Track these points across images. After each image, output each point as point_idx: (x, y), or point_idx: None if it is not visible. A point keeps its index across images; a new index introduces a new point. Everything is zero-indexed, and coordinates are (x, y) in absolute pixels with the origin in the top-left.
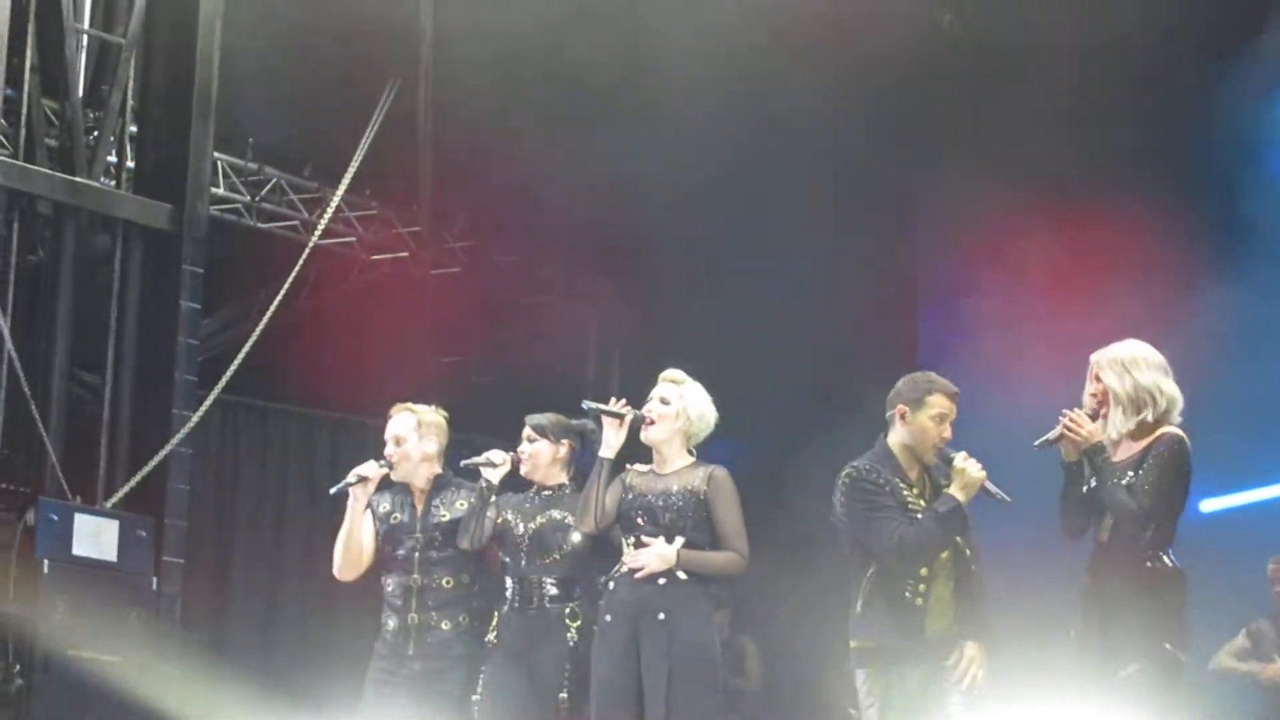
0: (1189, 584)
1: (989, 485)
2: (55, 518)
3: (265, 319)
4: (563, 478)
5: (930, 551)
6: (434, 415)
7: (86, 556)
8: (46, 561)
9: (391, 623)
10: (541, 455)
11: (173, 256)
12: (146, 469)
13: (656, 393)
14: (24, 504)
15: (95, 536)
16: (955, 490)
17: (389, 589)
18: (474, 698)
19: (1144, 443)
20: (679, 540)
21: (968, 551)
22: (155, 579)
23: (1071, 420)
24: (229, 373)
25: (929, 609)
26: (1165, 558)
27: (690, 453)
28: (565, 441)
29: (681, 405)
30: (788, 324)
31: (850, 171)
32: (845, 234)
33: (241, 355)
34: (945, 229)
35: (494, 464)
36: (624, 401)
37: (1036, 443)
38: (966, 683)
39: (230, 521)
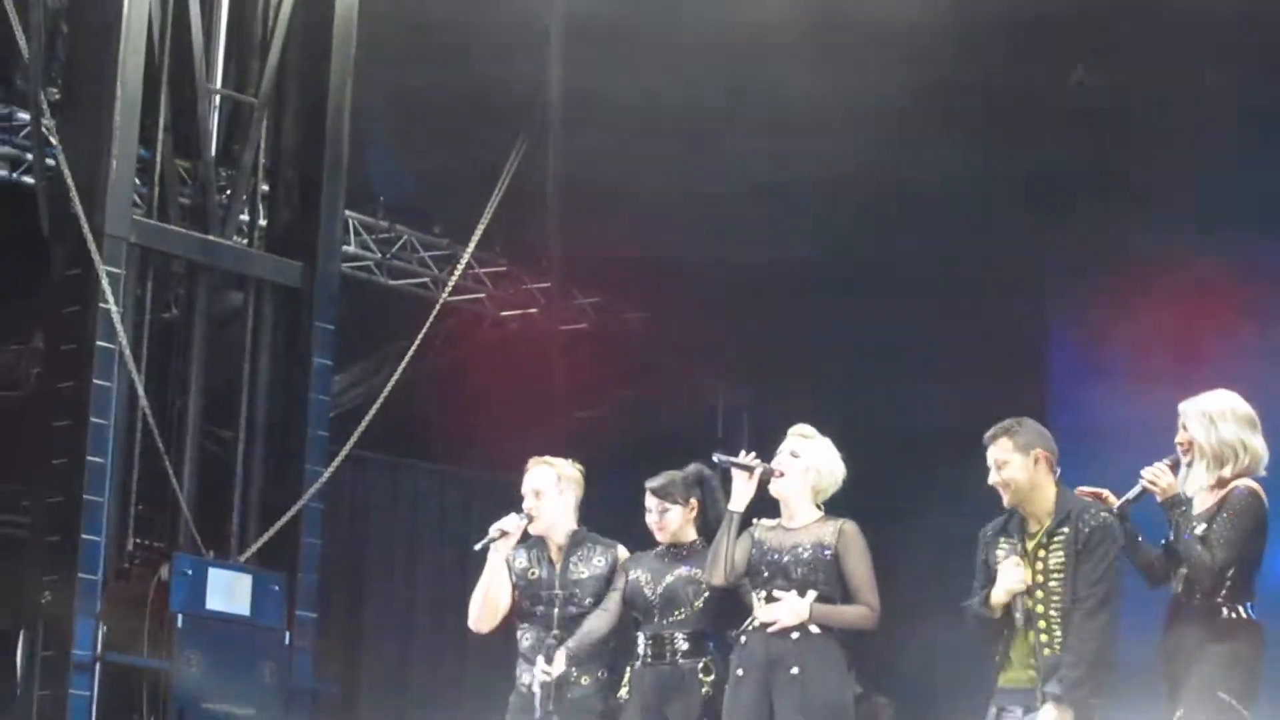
0: (1265, 639)
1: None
2: (189, 572)
3: (396, 375)
4: (693, 534)
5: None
6: (572, 469)
7: (220, 611)
8: (180, 616)
9: (527, 678)
10: (673, 519)
11: (304, 313)
12: (279, 524)
13: (786, 446)
14: (159, 559)
15: (229, 591)
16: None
17: (526, 644)
18: None
19: (1220, 495)
20: (811, 594)
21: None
22: (288, 633)
23: (1152, 475)
24: (360, 428)
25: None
26: (1240, 610)
27: (819, 507)
28: (693, 500)
29: (811, 459)
30: (916, 388)
31: (980, 235)
32: (974, 298)
33: (373, 411)
34: (1075, 290)
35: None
36: (754, 454)
37: (1118, 502)
38: None
39: (361, 576)
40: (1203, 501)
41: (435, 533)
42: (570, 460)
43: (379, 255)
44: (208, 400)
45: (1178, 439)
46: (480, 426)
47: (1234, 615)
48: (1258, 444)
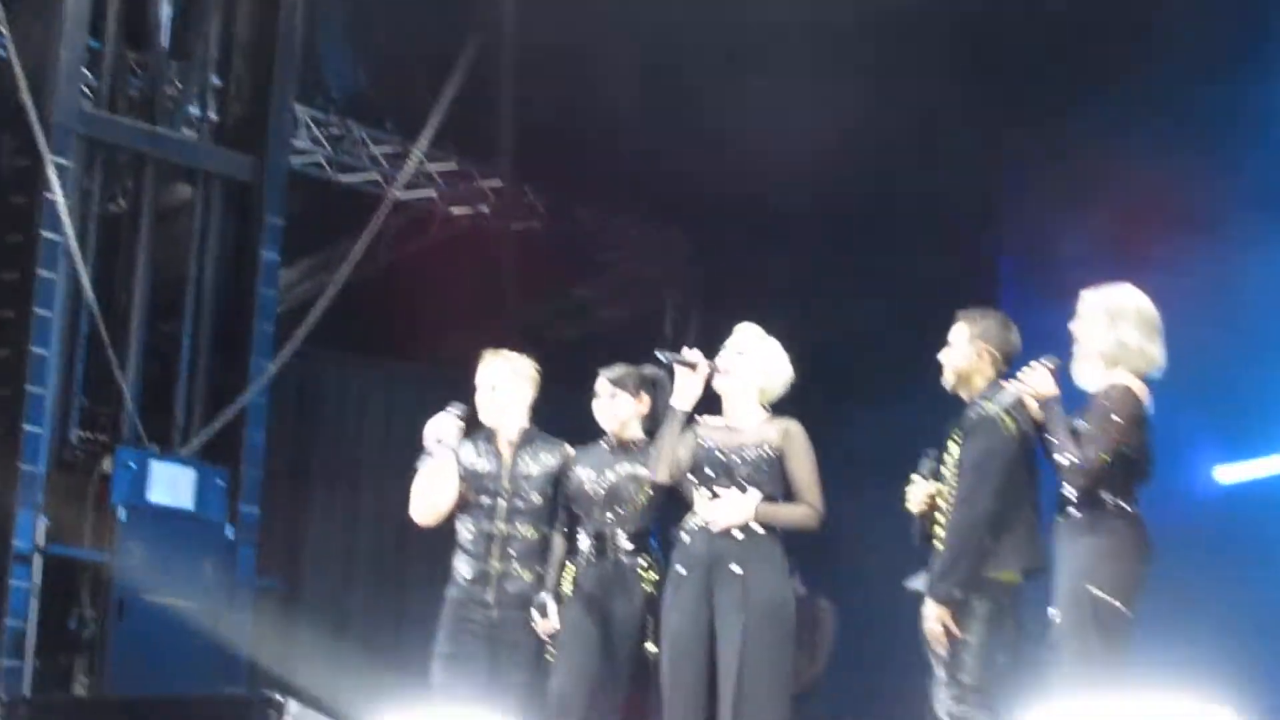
0: (1140, 533)
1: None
2: (132, 465)
3: (345, 271)
4: (639, 432)
5: None
6: (528, 366)
7: (162, 504)
8: (122, 508)
9: (468, 570)
10: (624, 409)
11: (253, 208)
12: (224, 418)
13: (731, 344)
14: (102, 452)
15: (172, 485)
16: None
17: (466, 536)
18: (549, 649)
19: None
20: (755, 493)
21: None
22: (231, 528)
23: (1030, 383)
24: (308, 324)
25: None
26: (1117, 505)
27: (764, 408)
28: (644, 395)
29: (757, 358)
30: (867, 288)
31: (927, 155)
32: (929, 199)
33: (321, 307)
34: (1026, 205)
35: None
36: (699, 352)
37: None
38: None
39: (306, 472)
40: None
41: (381, 429)
42: (525, 357)
43: (329, 151)
44: (154, 294)
45: (1073, 325)
46: (429, 324)
47: (1109, 510)
48: (1153, 350)
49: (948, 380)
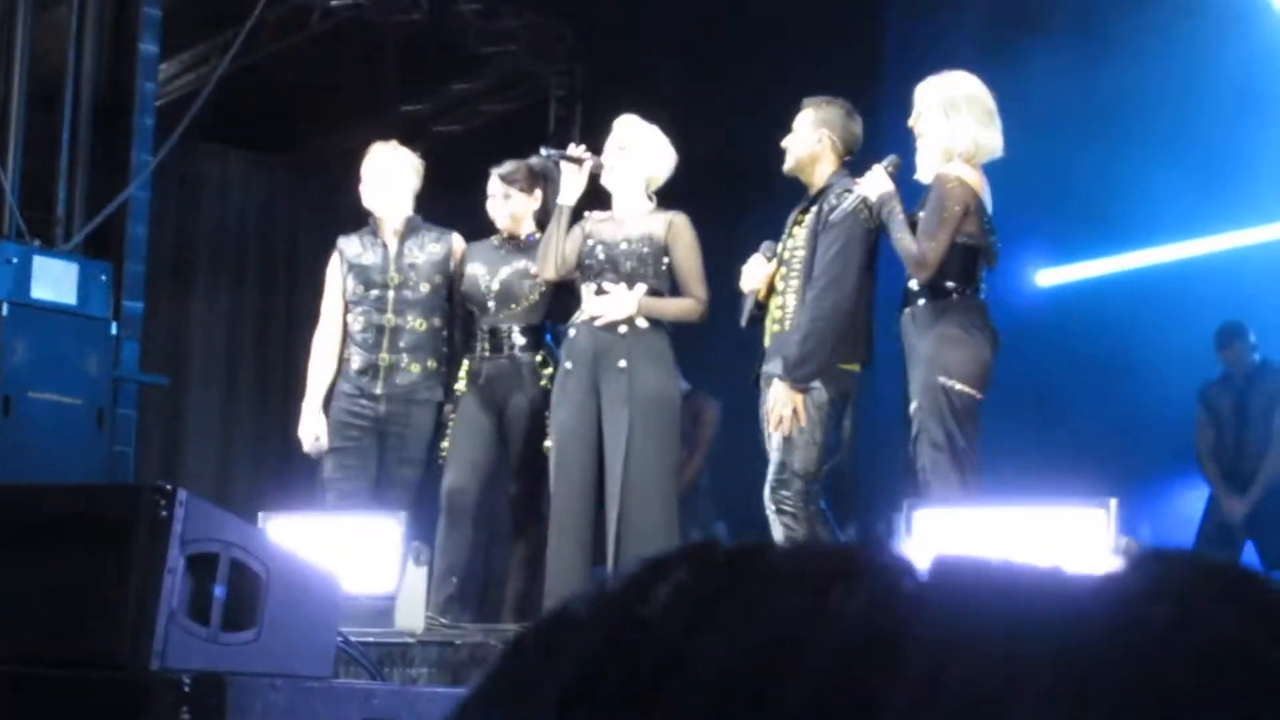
0: (984, 319)
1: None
2: (14, 260)
3: (224, 64)
4: (532, 227)
5: None
6: (413, 157)
7: (45, 300)
8: (5, 304)
9: (358, 360)
10: (518, 206)
11: None
12: (106, 212)
13: (613, 140)
14: None
15: (55, 280)
16: None
17: (356, 327)
18: (443, 445)
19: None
20: (640, 287)
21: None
22: (115, 323)
23: (870, 188)
24: (188, 117)
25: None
26: (962, 293)
27: (649, 198)
28: (537, 190)
29: (639, 149)
30: (748, 82)
31: None
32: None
33: (201, 99)
34: None
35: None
36: (584, 147)
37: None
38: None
39: (190, 267)
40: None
41: (263, 223)
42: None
43: None
44: (32, 86)
45: (911, 121)
46: (309, 118)
47: (954, 298)
48: (989, 137)
49: (788, 165)
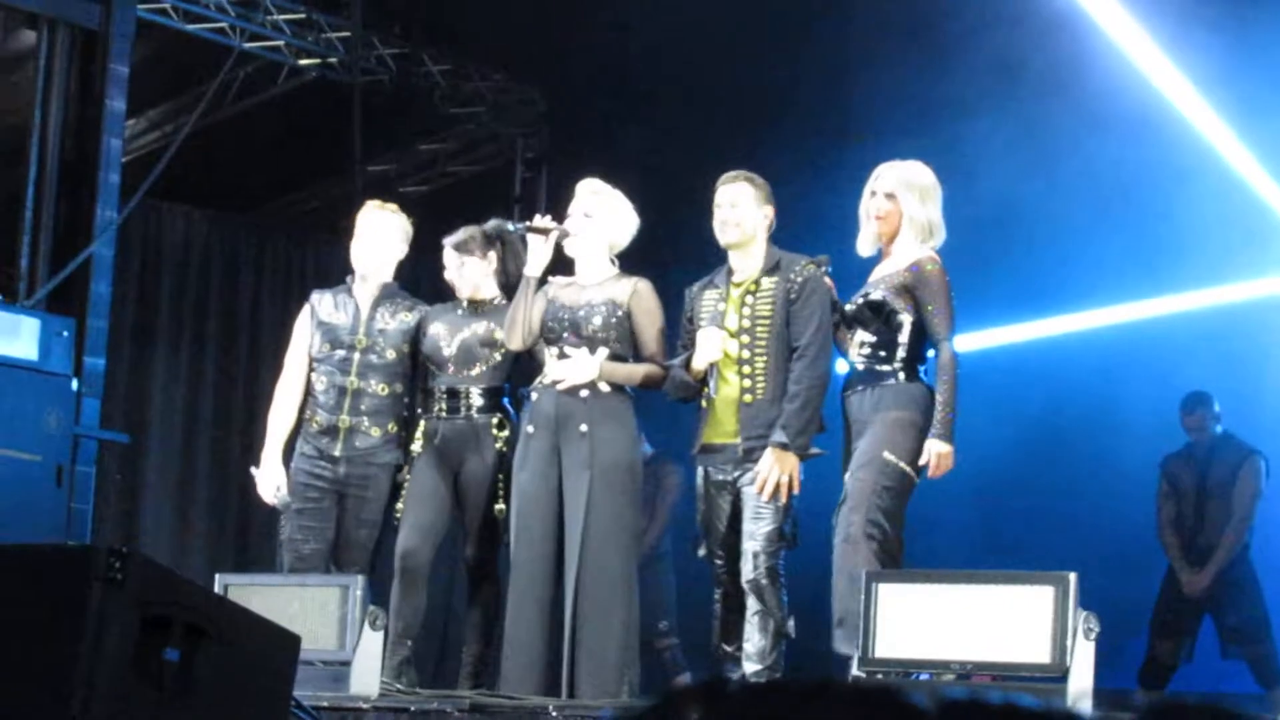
0: (930, 398)
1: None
2: None
3: (191, 121)
4: (493, 290)
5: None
6: (404, 221)
7: (6, 355)
8: None
9: (318, 421)
10: (472, 272)
11: (99, 55)
12: (69, 269)
13: (578, 206)
14: None
15: (15, 335)
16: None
17: (319, 387)
18: (397, 506)
19: (908, 264)
20: (602, 351)
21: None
22: (75, 380)
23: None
24: (154, 174)
25: (707, 418)
26: (916, 376)
27: (613, 263)
28: (491, 253)
29: (604, 216)
30: (713, 140)
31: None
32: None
33: (167, 157)
34: None
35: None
36: (549, 217)
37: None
38: (759, 489)
39: (152, 324)
40: (884, 269)
41: (227, 282)
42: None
43: None
44: None
45: (876, 211)
46: (275, 176)
47: (910, 381)
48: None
49: (735, 239)
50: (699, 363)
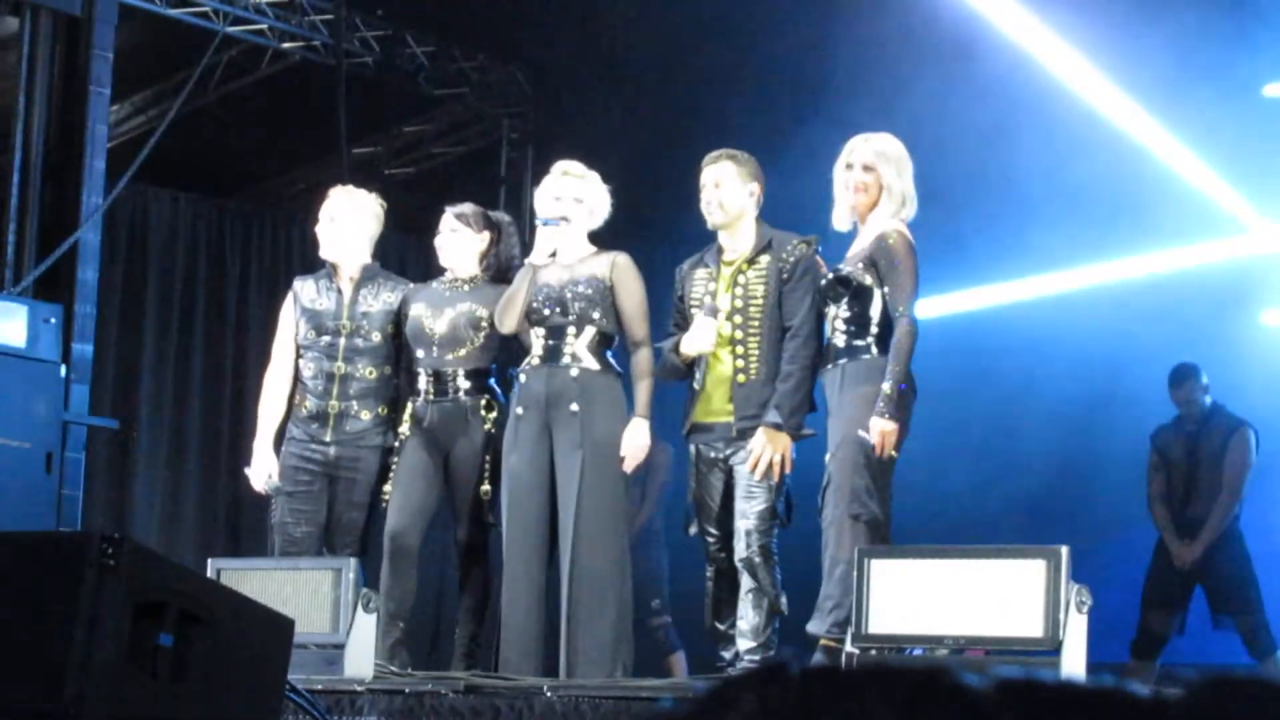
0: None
1: None
2: None
3: (176, 106)
4: (477, 269)
5: None
6: (373, 202)
7: None
8: None
9: (308, 406)
10: (463, 244)
11: (83, 41)
12: (55, 255)
13: (567, 191)
14: None
15: (3, 322)
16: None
17: (307, 373)
18: (385, 488)
19: (874, 237)
20: (589, 330)
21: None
22: (63, 366)
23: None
24: (139, 159)
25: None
26: (880, 348)
27: (589, 241)
28: (486, 232)
29: (590, 199)
30: (696, 119)
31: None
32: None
33: (152, 142)
34: None
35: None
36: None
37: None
38: (751, 467)
39: (139, 310)
40: (860, 244)
41: (213, 266)
42: (371, 193)
43: None
44: None
45: (855, 181)
46: (260, 160)
47: (882, 355)
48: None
49: (720, 220)
50: (688, 348)
